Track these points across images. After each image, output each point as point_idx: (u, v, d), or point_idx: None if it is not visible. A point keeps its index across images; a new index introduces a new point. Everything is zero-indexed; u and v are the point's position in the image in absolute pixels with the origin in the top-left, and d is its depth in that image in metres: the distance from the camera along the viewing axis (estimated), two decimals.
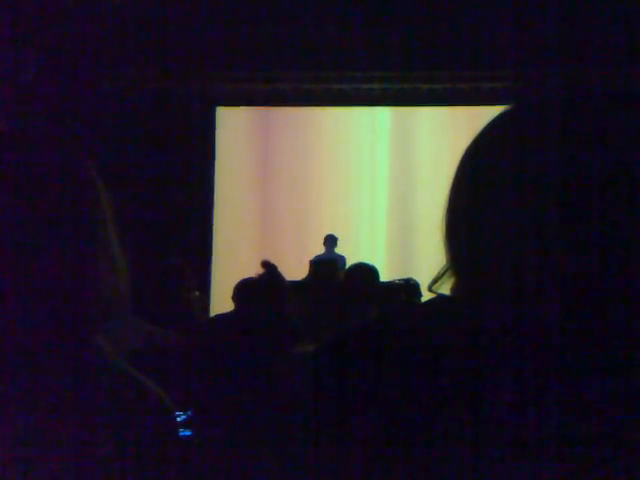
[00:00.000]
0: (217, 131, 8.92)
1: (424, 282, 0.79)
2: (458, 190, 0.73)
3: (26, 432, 0.76)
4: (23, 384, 0.77)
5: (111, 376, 0.82)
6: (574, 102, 0.70)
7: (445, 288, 0.75)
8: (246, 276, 3.16)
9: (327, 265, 5.17)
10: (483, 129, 0.73)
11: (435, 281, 0.75)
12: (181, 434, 0.86)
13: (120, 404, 0.80)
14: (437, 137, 9.02)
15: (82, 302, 0.81)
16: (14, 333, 0.78)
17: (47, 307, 0.78)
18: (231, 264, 8.10)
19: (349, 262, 6.66)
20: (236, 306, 3.13)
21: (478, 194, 0.71)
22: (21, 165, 0.79)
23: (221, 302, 6.09)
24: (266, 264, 3.09)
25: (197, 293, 5.08)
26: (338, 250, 8.31)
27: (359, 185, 9.20)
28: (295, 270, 5.91)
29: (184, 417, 2.63)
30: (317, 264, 6.22)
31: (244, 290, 3.09)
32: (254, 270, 3.11)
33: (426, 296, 0.79)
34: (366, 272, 3.67)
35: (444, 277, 0.74)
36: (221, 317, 3.26)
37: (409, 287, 4.03)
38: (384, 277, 4.09)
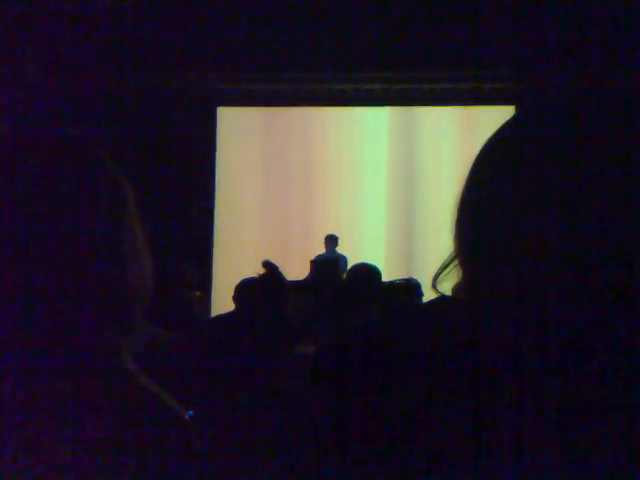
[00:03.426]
0: (218, 131, 8.93)
1: (425, 282, 0.80)
2: (467, 190, 0.74)
3: (31, 434, 0.76)
4: (32, 385, 0.77)
5: (125, 384, 0.82)
6: (575, 107, 0.70)
7: (447, 287, 0.76)
8: (247, 276, 3.16)
9: (329, 265, 5.18)
10: (492, 134, 0.75)
11: (441, 271, 0.75)
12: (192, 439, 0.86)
13: (132, 411, 0.80)
14: (438, 137, 9.03)
15: (102, 300, 0.81)
16: (29, 332, 0.78)
17: (67, 306, 0.79)
18: (232, 264, 8.10)
19: (350, 262, 6.67)
20: (237, 306, 3.13)
21: (484, 194, 0.71)
22: (44, 164, 0.80)
23: (222, 302, 6.10)
24: (267, 264, 3.09)
25: (198, 293, 5.08)
26: (339, 250, 8.32)
27: (360, 185, 9.21)
28: (297, 270, 5.92)
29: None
30: (319, 264, 6.22)
31: (245, 290, 3.09)
32: (255, 270, 3.11)
33: (427, 296, 0.80)
34: (368, 272, 3.66)
35: (450, 267, 0.75)
36: (222, 317, 3.25)
37: (410, 287, 4.02)
38: (384, 277, 4.08)
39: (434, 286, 0.76)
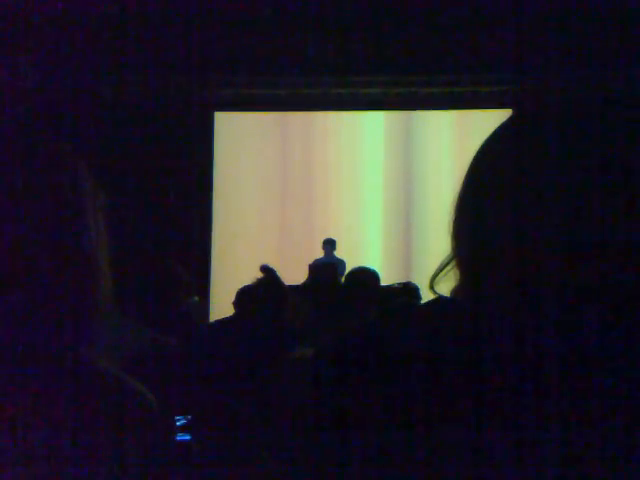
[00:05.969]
0: (216, 136, 8.93)
1: (423, 286, 0.80)
2: (465, 191, 0.74)
3: (19, 437, 0.76)
4: (13, 389, 0.78)
5: (93, 379, 0.82)
6: (572, 107, 0.70)
7: (445, 289, 0.76)
8: (245, 280, 3.16)
9: (327, 269, 5.17)
10: (489, 135, 0.75)
11: (438, 272, 0.75)
12: (179, 438, 0.86)
13: (105, 406, 0.80)
14: (435, 141, 9.03)
15: (62, 306, 0.81)
16: None
17: (27, 309, 0.79)
18: (230, 269, 8.10)
19: (348, 266, 6.66)
20: (236, 311, 3.13)
21: (482, 196, 0.72)
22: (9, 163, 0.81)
23: (221, 307, 6.09)
24: (265, 269, 3.09)
25: (196, 298, 5.08)
26: (337, 254, 8.31)
27: (357, 189, 9.21)
28: (295, 274, 5.91)
29: (183, 422, 2.63)
30: (316, 268, 6.21)
31: (244, 295, 3.09)
32: (253, 275, 3.11)
33: (425, 299, 0.80)
34: (366, 276, 3.66)
35: (447, 267, 0.75)
36: (220, 322, 3.25)
37: (408, 291, 4.02)
38: (382, 281, 4.08)
39: (432, 287, 0.76)
